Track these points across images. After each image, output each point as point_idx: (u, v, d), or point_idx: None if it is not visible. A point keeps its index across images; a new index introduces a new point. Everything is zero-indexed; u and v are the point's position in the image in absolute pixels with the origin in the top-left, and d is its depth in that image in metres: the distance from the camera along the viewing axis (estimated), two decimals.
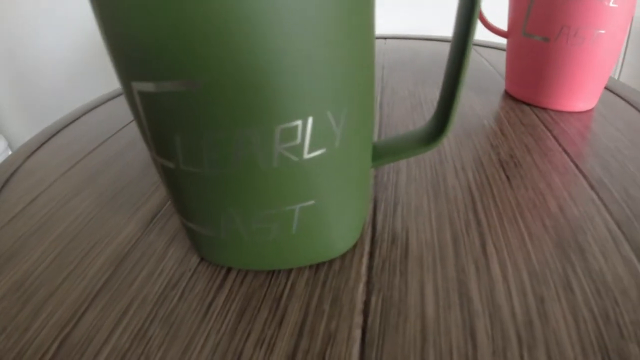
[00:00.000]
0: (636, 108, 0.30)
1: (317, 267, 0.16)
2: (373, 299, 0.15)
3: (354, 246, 0.17)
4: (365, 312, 0.14)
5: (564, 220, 0.18)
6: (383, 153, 0.17)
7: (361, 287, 0.15)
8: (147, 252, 0.18)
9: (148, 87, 0.11)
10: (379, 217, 0.18)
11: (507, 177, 0.21)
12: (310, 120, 0.12)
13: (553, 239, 0.17)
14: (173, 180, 0.14)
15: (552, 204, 0.19)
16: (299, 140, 0.12)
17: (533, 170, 0.22)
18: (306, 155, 0.13)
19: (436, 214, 0.18)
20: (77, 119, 0.34)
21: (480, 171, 0.21)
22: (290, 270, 0.16)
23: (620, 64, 0.67)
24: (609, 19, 0.24)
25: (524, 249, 0.16)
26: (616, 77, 0.68)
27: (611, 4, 0.24)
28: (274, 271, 0.16)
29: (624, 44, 0.67)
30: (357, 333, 0.14)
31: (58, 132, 0.31)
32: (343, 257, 0.16)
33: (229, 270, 0.16)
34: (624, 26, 0.26)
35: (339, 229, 0.15)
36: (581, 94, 0.28)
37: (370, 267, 0.16)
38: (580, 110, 0.28)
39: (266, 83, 0.11)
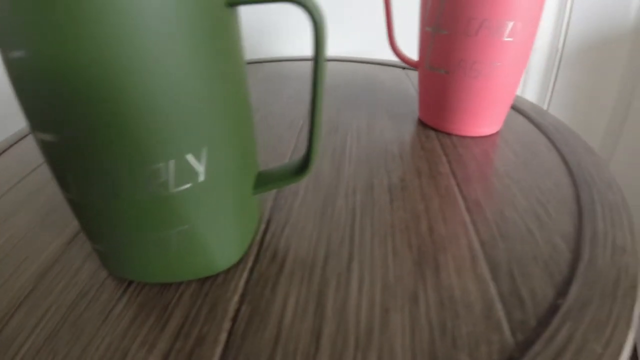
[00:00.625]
0: (540, 129, 0.33)
1: (204, 280, 0.19)
2: (243, 308, 0.17)
3: (239, 261, 0.20)
4: (234, 319, 0.17)
5: (429, 240, 0.21)
6: (264, 182, 0.19)
7: (236, 297, 0.18)
8: (66, 266, 0.20)
9: (38, 135, 0.14)
10: (267, 236, 0.21)
11: (391, 200, 0.23)
12: (171, 163, 0.15)
13: (414, 258, 0.19)
14: (74, 208, 0.17)
15: (423, 225, 0.22)
16: (164, 178, 0.15)
17: (416, 193, 0.24)
18: (172, 190, 0.15)
19: (317, 233, 0.21)
20: (15, 143, 0.37)
21: (368, 194, 0.24)
22: (180, 283, 0.19)
23: (550, 92, 0.70)
24: (504, 52, 0.27)
25: (385, 266, 0.19)
26: (545, 107, 0.71)
27: (505, 39, 0.26)
28: (167, 284, 0.19)
29: (554, 74, 0.70)
30: (224, 336, 0.16)
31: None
32: (227, 271, 0.19)
33: (130, 283, 0.19)
34: (521, 57, 0.28)
35: (219, 248, 0.18)
36: (482, 120, 0.30)
37: (247, 281, 0.19)
38: (483, 134, 0.31)
39: (129, 135, 0.14)
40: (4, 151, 0.34)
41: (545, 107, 0.73)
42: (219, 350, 0.16)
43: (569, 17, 0.63)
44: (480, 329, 0.16)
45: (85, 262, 0.20)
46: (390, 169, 0.27)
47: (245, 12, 0.64)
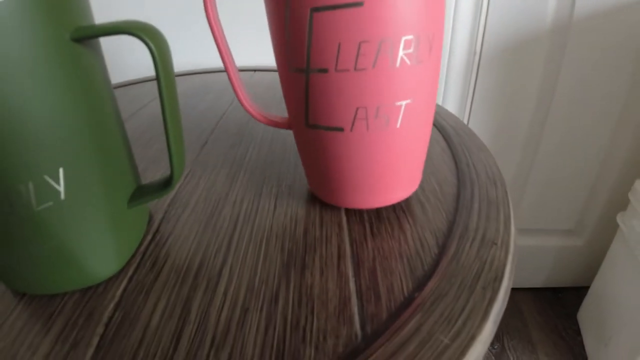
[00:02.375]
0: (440, 131, 0.35)
1: (87, 290, 0.20)
2: (117, 314, 0.19)
3: (121, 271, 0.21)
4: (107, 325, 0.18)
5: (302, 243, 0.22)
6: (137, 196, 0.21)
7: (112, 305, 0.19)
8: None
9: None
10: (151, 246, 0.22)
11: (275, 207, 0.25)
12: (30, 184, 0.16)
13: (283, 260, 0.21)
14: None
15: (300, 229, 0.23)
16: (25, 198, 0.17)
17: (301, 199, 0.26)
18: (35, 209, 0.17)
19: (197, 242, 0.22)
20: None
21: (255, 202, 0.26)
22: (66, 293, 0.20)
23: (470, 95, 0.72)
24: (417, 82, 0.20)
25: (254, 270, 0.21)
26: (467, 110, 0.73)
27: (415, 63, 0.19)
28: (55, 294, 0.20)
29: (474, 76, 0.73)
30: (96, 340, 0.18)
31: None
32: (108, 280, 0.21)
33: (25, 294, 0.20)
34: (435, 82, 0.21)
35: (97, 259, 0.20)
36: (398, 183, 0.23)
37: (125, 289, 0.20)
38: (401, 199, 0.24)
39: None
40: None
41: (467, 110, 0.76)
42: (90, 352, 0.17)
43: (486, 19, 0.66)
44: (332, 323, 0.18)
45: None
46: (283, 177, 0.29)
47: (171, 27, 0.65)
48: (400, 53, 0.18)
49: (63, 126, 0.17)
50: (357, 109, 0.20)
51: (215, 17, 0.22)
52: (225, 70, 0.24)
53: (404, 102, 0.20)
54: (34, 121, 0.16)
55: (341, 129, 0.20)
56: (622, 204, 0.81)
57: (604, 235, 0.87)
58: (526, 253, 0.90)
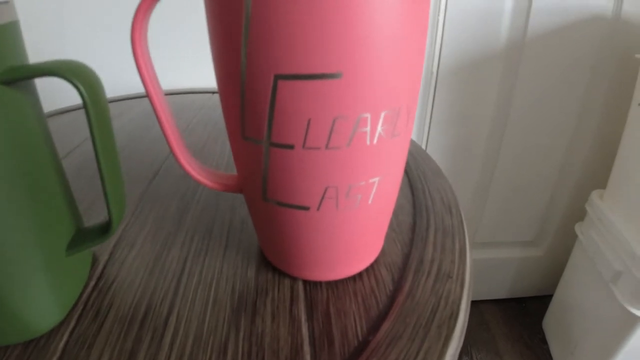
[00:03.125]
0: None
1: (29, 343, 0.19)
2: None
3: (63, 321, 0.20)
4: None
5: (254, 284, 0.22)
6: (76, 242, 0.20)
7: (54, 358, 0.18)
8: None
9: None
10: (94, 293, 0.21)
11: (227, 245, 0.24)
12: None
13: (234, 304, 0.20)
14: None
15: (252, 269, 0.23)
16: None
17: (255, 235, 0.25)
18: None
19: (143, 287, 0.21)
20: None
21: (205, 239, 0.25)
22: (9, 346, 0.19)
23: (429, 115, 0.74)
24: (391, 158, 0.18)
25: (202, 316, 0.20)
26: (425, 129, 0.75)
27: (392, 137, 0.17)
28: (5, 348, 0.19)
29: (432, 95, 0.73)
30: None
31: None
32: (50, 332, 0.19)
33: None
34: (406, 154, 0.20)
35: (35, 311, 0.19)
36: (360, 254, 0.22)
37: (67, 343, 0.19)
38: (362, 269, 0.23)
39: None
40: None
41: (425, 129, 0.77)
42: None
43: (442, 39, 0.68)
44: None
45: None
46: (236, 210, 0.28)
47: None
48: (379, 129, 0.16)
49: None
50: (327, 188, 0.17)
51: (145, 55, 0.18)
52: (157, 119, 0.19)
53: (377, 179, 0.18)
54: None
55: (306, 208, 0.18)
56: (580, 214, 0.84)
57: (564, 245, 0.90)
58: (489, 265, 0.92)
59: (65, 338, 0.19)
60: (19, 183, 0.17)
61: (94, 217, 0.28)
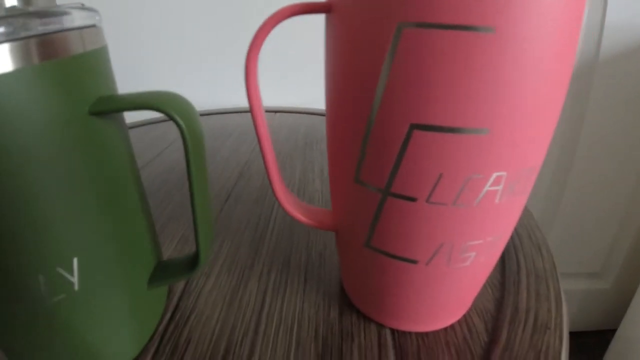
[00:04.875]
0: None
1: None
2: None
3: (139, 355, 0.19)
4: None
5: (338, 327, 0.20)
6: (159, 276, 0.19)
7: None
8: None
9: None
10: (171, 327, 0.20)
11: (305, 280, 0.23)
12: (41, 276, 0.14)
13: (318, 350, 0.18)
14: None
15: (334, 310, 0.21)
16: (36, 291, 0.14)
17: (334, 269, 0.24)
18: (48, 302, 0.15)
19: (221, 324, 0.20)
20: None
21: (283, 273, 0.23)
22: None
23: None
24: (513, 215, 0.16)
25: (286, 359, 0.18)
26: None
27: (515, 196, 0.15)
28: None
29: None
30: None
31: None
32: None
33: None
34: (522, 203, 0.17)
35: (113, 346, 0.18)
36: (454, 310, 0.19)
37: None
38: (453, 322, 0.20)
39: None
40: None
41: None
42: None
43: None
44: None
45: None
46: (312, 241, 0.26)
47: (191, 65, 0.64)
48: (510, 187, 0.14)
49: (76, 213, 0.14)
50: (442, 244, 0.15)
51: (256, 84, 0.17)
52: (265, 163, 0.19)
53: (497, 237, 0.16)
54: (44, 210, 0.13)
55: (414, 262, 0.16)
56: None
57: (632, 277, 0.82)
58: None
59: None
60: (105, 217, 0.16)
61: (165, 246, 0.27)
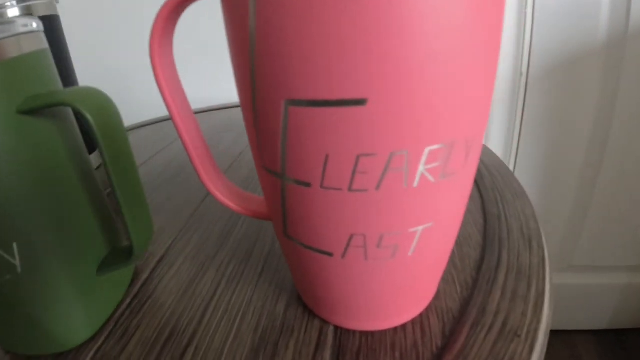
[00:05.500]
0: None
1: (59, 355, 0.18)
2: None
3: (93, 338, 0.19)
4: None
5: (280, 320, 0.18)
6: (108, 263, 0.19)
7: None
8: None
9: None
10: (126, 313, 0.20)
11: (262, 271, 0.21)
12: None
13: (255, 343, 0.17)
14: None
15: (282, 303, 0.19)
16: None
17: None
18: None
19: (171, 311, 0.20)
20: None
21: (242, 265, 0.22)
22: (41, 357, 0.18)
23: (519, 122, 0.61)
24: (440, 202, 0.13)
25: (220, 352, 0.17)
26: (515, 138, 0.62)
27: (441, 178, 0.13)
28: (34, 356, 0.19)
29: (522, 100, 0.60)
30: None
31: None
32: (79, 348, 0.19)
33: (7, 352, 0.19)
34: (467, 196, 0.15)
35: (64, 327, 0.18)
36: (402, 306, 0.17)
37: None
38: (404, 322, 0.18)
39: None
40: None
41: (514, 140, 0.65)
42: None
43: (531, 36, 0.56)
44: None
45: None
46: None
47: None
48: (421, 169, 0.12)
49: (11, 203, 0.15)
50: (352, 235, 0.13)
51: (165, 74, 0.15)
52: (177, 130, 0.16)
53: (420, 228, 0.13)
54: None
55: (329, 254, 0.14)
56: None
57: None
58: (587, 292, 0.77)
59: (90, 355, 0.18)
60: (41, 207, 0.16)
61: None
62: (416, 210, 0.13)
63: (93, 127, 0.14)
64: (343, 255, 0.14)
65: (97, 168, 0.31)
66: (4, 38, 0.14)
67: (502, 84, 0.60)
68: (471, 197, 0.28)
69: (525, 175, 0.67)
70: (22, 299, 0.17)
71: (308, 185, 0.13)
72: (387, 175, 0.12)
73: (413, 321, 0.18)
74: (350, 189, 0.12)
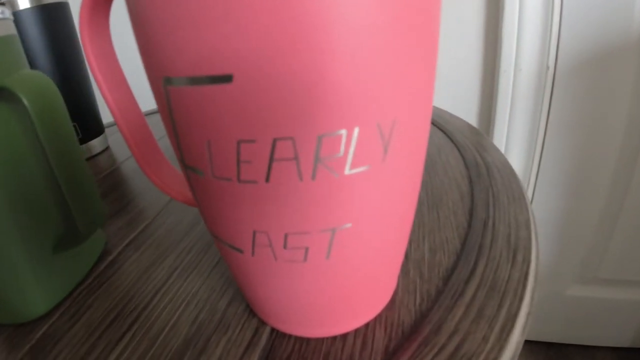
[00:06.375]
0: (465, 163, 0.26)
1: (20, 325, 0.18)
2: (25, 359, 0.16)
3: (49, 312, 0.19)
4: None
5: (220, 315, 0.17)
6: (63, 243, 0.18)
7: (27, 347, 0.17)
8: None
9: None
10: (84, 292, 0.19)
11: (218, 262, 0.20)
12: None
13: (189, 335, 0.16)
14: None
15: (226, 297, 0.18)
16: None
17: None
18: None
19: (123, 294, 0.19)
20: None
21: (201, 254, 0.21)
22: (3, 325, 0.19)
23: (544, 120, 0.53)
24: (356, 200, 0.11)
25: (154, 340, 0.16)
26: (540, 138, 0.54)
27: (348, 172, 0.10)
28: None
29: (548, 97, 0.54)
30: None
31: None
32: (36, 321, 0.18)
33: None
34: (406, 194, 0.12)
35: (21, 300, 0.18)
36: (338, 316, 0.15)
37: (42, 334, 0.18)
38: (351, 329, 0.16)
39: None
40: None
41: (539, 138, 0.57)
42: None
43: (559, 26, 0.49)
44: None
45: None
46: None
47: None
48: (317, 159, 0.10)
49: None
50: (255, 232, 0.12)
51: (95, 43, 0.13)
52: (115, 120, 0.15)
53: (334, 229, 0.11)
54: None
55: (239, 250, 0.13)
56: None
57: None
58: (611, 307, 0.68)
59: (43, 330, 0.18)
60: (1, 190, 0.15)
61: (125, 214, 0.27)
62: (322, 208, 0.11)
63: (29, 111, 0.14)
64: (252, 253, 0.12)
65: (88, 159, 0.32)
66: None
67: (526, 79, 0.53)
68: (460, 198, 0.25)
69: (549, 178, 0.60)
70: None
71: (201, 173, 0.11)
72: (275, 166, 0.10)
73: (356, 331, 0.16)
74: (239, 180, 0.10)
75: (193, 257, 0.21)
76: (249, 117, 0.09)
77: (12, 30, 0.17)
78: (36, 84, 0.14)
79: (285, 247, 0.11)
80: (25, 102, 0.14)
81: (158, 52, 0.09)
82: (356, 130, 0.09)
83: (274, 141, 0.09)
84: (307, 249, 0.12)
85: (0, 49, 0.15)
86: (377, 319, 0.16)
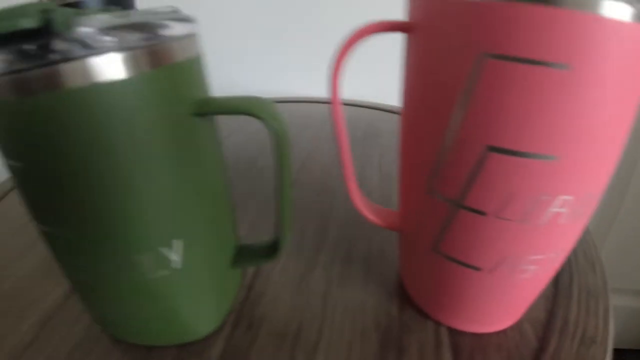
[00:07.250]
0: None
1: (185, 345, 0.19)
2: None
3: (218, 328, 0.20)
4: None
5: (397, 320, 0.20)
6: (241, 259, 0.20)
7: None
8: (65, 318, 0.21)
9: (38, 225, 0.15)
10: (247, 305, 0.21)
11: (367, 274, 0.23)
12: (148, 255, 0.15)
13: (380, 338, 0.19)
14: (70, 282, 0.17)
15: (395, 303, 0.21)
16: (140, 267, 0.15)
17: (394, 263, 0.24)
18: (150, 276, 0.16)
19: (290, 304, 0.21)
20: None
21: (346, 265, 0.24)
22: (165, 347, 0.19)
23: None
24: (573, 236, 0.16)
25: (351, 346, 0.19)
26: None
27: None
28: (154, 346, 0.19)
29: None
30: None
31: None
32: (206, 338, 0.19)
33: (119, 342, 0.20)
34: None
35: (197, 318, 0.19)
36: (511, 314, 0.19)
37: (223, 349, 0.19)
38: (506, 327, 0.20)
39: (107, 234, 0.14)
40: (10, 190, 0.34)
41: None
42: None
43: None
44: None
45: (82, 314, 0.21)
46: (373, 236, 0.27)
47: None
48: (575, 210, 0.15)
49: (183, 201, 0.15)
50: (506, 257, 0.16)
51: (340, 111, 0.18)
52: (344, 170, 0.20)
53: (555, 254, 0.16)
54: (152, 198, 0.14)
55: (478, 269, 0.16)
56: None
57: None
58: None
59: (221, 345, 0.19)
60: (201, 205, 0.17)
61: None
62: (559, 240, 0.16)
63: (280, 137, 0.15)
64: (491, 271, 0.16)
65: None
66: (181, 38, 0.14)
67: None
68: None
69: None
70: (170, 293, 0.17)
71: (484, 214, 0.15)
72: (553, 214, 0.14)
73: (511, 327, 0.20)
74: (521, 221, 0.14)
75: (339, 268, 0.24)
76: (557, 184, 0.14)
77: (200, 47, 0.17)
78: (273, 109, 0.16)
79: (523, 265, 0.16)
80: (279, 132, 0.15)
81: (489, 126, 0.13)
82: (599, 192, 0.15)
83: (561, 198, 0.14)
84: (534, 268, 0.16)
85: (196, 69, 0.16)
86: (521, 318, 0.21)
